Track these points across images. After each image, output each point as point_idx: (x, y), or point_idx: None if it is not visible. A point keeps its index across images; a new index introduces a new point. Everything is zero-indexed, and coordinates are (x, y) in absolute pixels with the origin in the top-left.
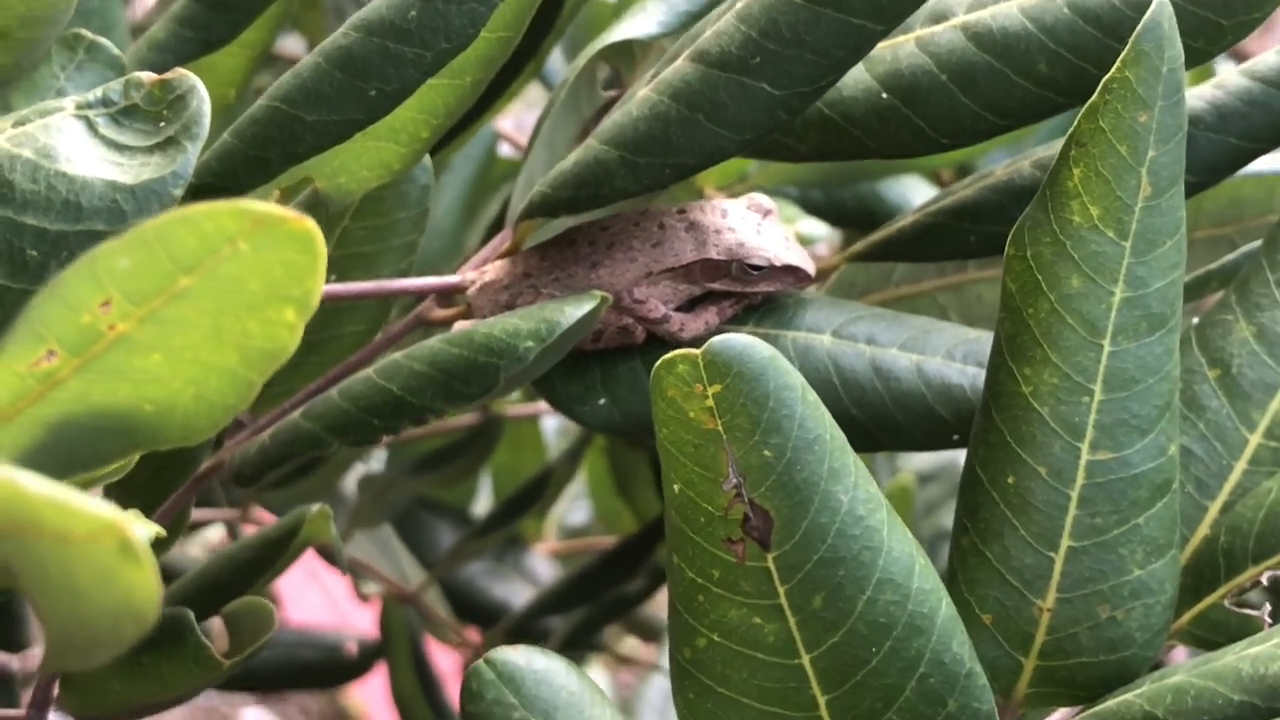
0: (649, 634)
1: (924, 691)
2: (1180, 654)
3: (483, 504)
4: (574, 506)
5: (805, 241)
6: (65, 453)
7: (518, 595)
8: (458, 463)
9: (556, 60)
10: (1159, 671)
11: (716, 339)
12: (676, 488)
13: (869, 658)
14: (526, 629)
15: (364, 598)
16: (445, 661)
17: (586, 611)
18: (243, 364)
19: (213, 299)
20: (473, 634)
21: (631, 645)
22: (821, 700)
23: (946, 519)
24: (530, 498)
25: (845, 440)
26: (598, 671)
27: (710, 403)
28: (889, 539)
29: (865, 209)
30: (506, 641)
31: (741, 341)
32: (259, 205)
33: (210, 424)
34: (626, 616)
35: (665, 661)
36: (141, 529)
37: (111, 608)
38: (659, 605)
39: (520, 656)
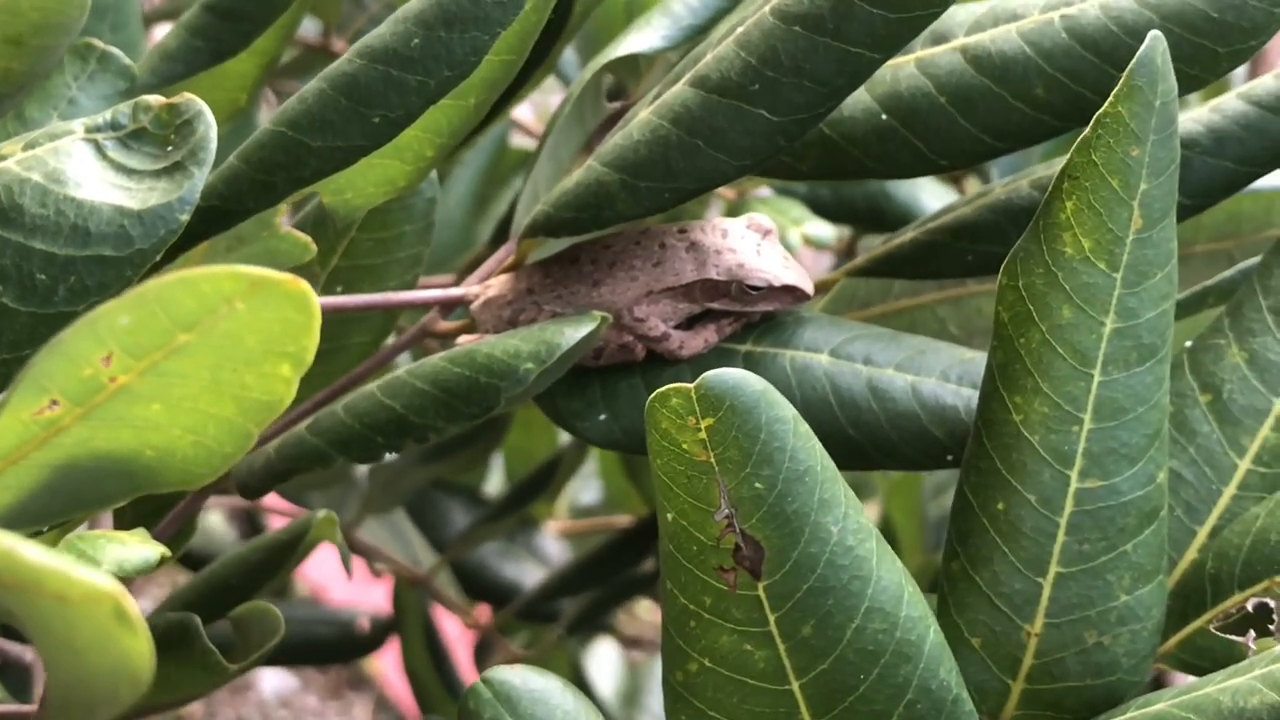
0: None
1: (911, 717)
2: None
3: (494, 483)
4: (585, 485)
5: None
6: (70, 493)
7: (528, 575)
8: (469, 450)
9: (569, 53)
10: (1141, 698)
11: (710, 373)
12: (670, 516)
13: (857, 684)
14: (537, 610)
15: (376, 573)
16: (452, 628)
17: (596, 593)
18: (240, 414)
19: (211, 354)
20: (483, 612)
21: (641, 626)
22: None
23: None
24: (540, 483)
25: (836, 471)
26: (609, 647)
27: (703, 435)
28: (878, 568)
29: (874, 207)
30: (517, 621)
31: (734, 376)
32: (256, 269)
33: (209, 469)
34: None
35: None
36: (149, 551)
37: (109, 669)
38: None
39: (516, 676)
